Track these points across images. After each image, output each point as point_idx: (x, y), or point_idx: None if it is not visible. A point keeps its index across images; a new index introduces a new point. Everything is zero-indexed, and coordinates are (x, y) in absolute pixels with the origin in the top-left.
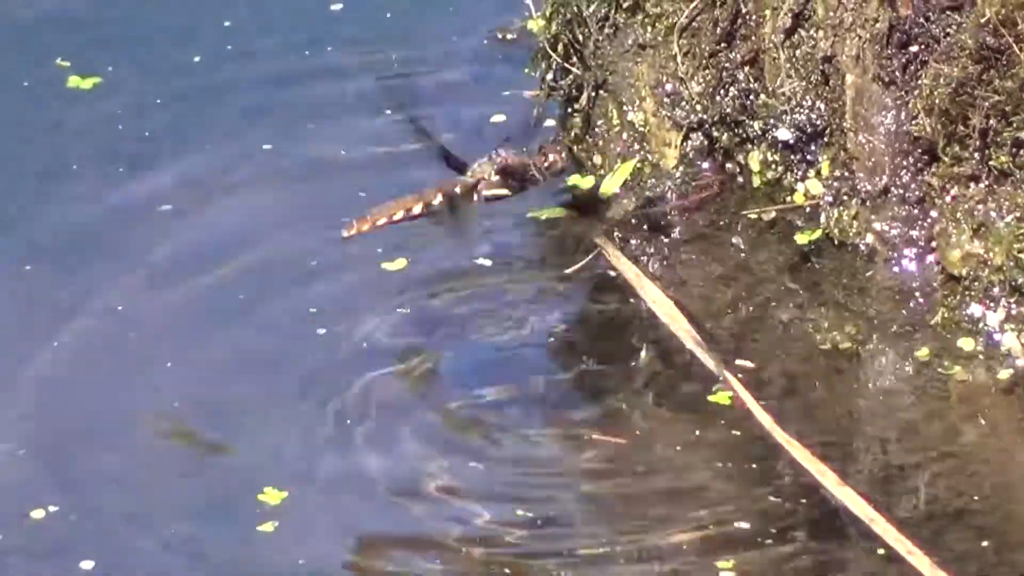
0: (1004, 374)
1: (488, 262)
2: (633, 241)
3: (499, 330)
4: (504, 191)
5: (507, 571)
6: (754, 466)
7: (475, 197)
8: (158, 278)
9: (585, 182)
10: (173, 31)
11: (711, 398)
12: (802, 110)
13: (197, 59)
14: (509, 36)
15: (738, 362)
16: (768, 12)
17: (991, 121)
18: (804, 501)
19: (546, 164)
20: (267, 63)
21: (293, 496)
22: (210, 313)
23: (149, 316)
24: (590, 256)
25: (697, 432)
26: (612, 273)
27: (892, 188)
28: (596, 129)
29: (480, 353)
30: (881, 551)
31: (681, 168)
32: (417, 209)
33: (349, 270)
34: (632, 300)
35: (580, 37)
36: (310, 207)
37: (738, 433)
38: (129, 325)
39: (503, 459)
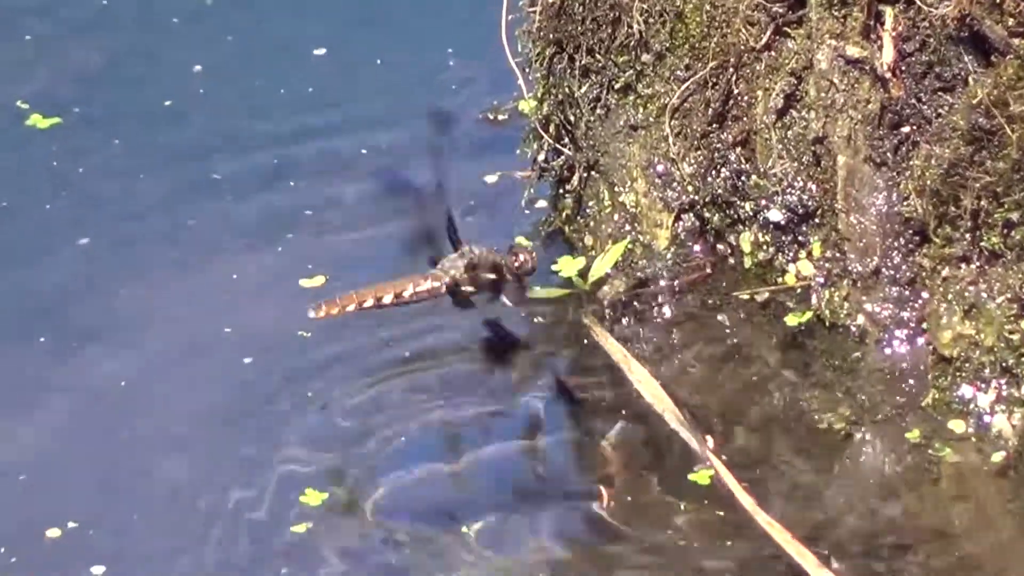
0: (996, 456)
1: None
2: (624, 322)
3: (485, 403)
4: (471, 288)
5: None
6: (728, 544)
7: (441, 289)
8: (89, 346)
9: (576, 263)
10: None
11: (691, 476)
12: (793, 191)
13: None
14: (500, 117)
15: (725, 443)
16: (760, 93)
17: (982, 202)
18: None
19: (516, 263)
20: (251, 136)
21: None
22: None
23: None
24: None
25: (680, 507)
26: (600, 351)
27: (883, 269)
28: (587, 210)
29: (464, 429)
30: None
31: (672, 249)
32: (388, 299)
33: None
34: (619, 378)
35: (572, 118)
36: (265, 272)
37: (721, 513)
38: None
39: (483, 531)
